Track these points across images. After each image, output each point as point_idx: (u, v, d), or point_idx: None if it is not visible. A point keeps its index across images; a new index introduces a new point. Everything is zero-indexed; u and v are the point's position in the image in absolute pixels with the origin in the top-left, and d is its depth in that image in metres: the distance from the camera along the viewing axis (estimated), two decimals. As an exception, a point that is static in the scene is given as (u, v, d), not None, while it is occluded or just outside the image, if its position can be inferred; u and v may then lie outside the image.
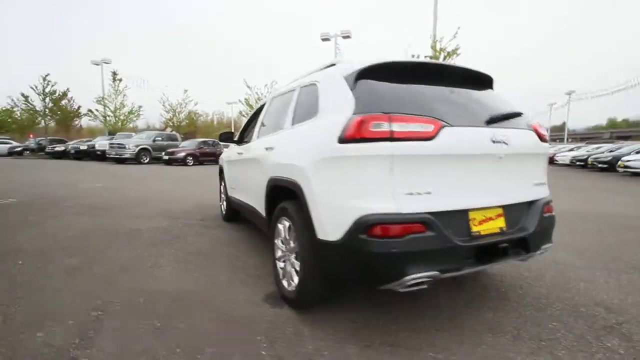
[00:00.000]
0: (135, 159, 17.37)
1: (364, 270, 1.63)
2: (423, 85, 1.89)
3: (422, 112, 1.68)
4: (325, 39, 19.42)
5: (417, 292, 2.28)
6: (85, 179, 9.71)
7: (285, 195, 2.29)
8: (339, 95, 1.88)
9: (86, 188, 7.82)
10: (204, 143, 19.57)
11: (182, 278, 2.67)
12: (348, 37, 19.21)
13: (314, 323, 2.01)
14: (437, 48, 11.83)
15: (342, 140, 1.66)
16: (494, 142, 1.76)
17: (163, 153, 17.83)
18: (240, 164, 3.47)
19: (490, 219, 1.82)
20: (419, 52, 12.50)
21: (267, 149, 2.57)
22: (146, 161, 17.85)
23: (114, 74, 24.82)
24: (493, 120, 1.82)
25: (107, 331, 1.90)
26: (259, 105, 3.75)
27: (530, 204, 2.00)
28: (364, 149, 1.58)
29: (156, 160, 18.20)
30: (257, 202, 2.84)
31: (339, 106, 1.83)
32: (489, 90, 2.22)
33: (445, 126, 1.64)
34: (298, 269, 2.04)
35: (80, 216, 4.80)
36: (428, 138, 1.59)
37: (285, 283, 2.26)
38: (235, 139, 4.08)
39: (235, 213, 4.50)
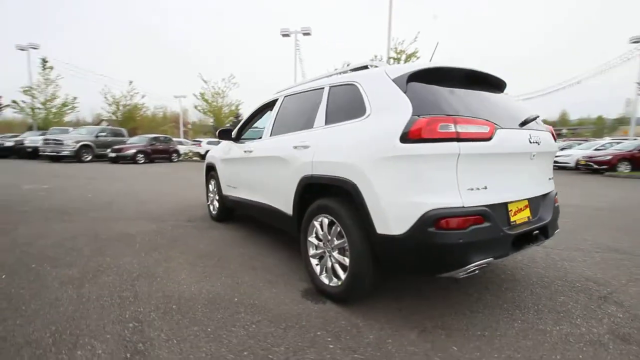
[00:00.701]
0: (75, 157, 15.67)
1: (429, 260, 1.76)
2: (463, 89, 2.06)
3: (471, 115, 1.84)
4: (285, 34, 19.26)
5: (436, 278, 2.48)
6: (26, 180, 8.57)
7: (323, 192, 2.33)
8: (391, 97, 1.97)
9: (34, 190, 6.93)
10: (155, 139, 18.31)
11: (205, 282, 2.57)
12: (308, 34, 19.25)
13: (365, 314, 2.09)
14: (398, 50, 12.48)
15: (405, 139, 1.76)
16: (530, 142, 1.99)
17: (108, 150, 16.33)
18: (249, 162, 3.39)
19: (521, 210, 2.06)
20: (382, 52, 13.08)
21: (296, 147, 2.57)
22: (88, 159, 16.20)
23: (44, 60, 21.97)
24: (525, 123, 2.05)
25: (157, 341, 1.79)
26: (262, 104, 3.68)
27: (544, 196, 2.29)
28: (432, 148, 1.70)
29: (100, 158, 16.61)
30: (279, 200, 2.82)
31: (393, 107, 1.92)
32: (504, 94, 2.47)
33: (497, 128, 1.82)
34: (347, 263, 2.10)
35: (49, 221, 4.28)
36: (486, 139, 1.76)
37: (325, 279, 2.30)
38: (233, 136, 3.96)
39: (229, 213, 4.38)
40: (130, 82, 25.46)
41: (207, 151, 22.61)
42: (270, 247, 3.41)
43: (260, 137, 3.33)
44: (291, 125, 2.87)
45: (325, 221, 2.28)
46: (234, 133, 3.95)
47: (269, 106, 3.52)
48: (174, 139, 21.38)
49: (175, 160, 19.13)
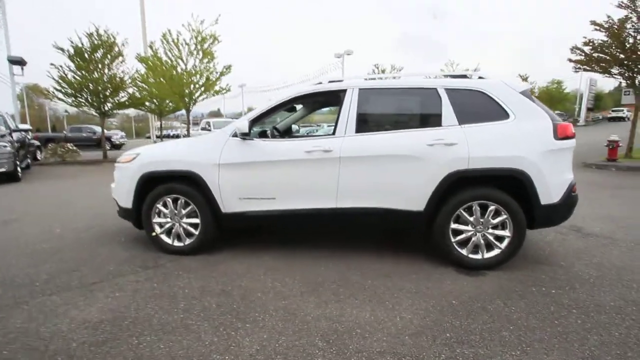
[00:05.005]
0: None
1: (568, 212, 2.77)
2: None
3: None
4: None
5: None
6: None
7: (469, 184, 2.70)
8: (527, 106, 2.70)
9: None
10: None
11: (394, 307, 2.24)
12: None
13: (530, 270, 2.75)
14: (195, 30, 11.25)
15: (557, 137, 2.63)
16: None
17: None
18: (326, 164, 2.76)
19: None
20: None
21: (432, 145, 2.63)
22: None
23: None
24: None
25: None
26: (299, 94, 3.02)
27: None
28: (570, 143, 2.70)
29: None
30: (399, 199, 2.76)
31: (532, 114, 2.68)
32: None
33: None
34: (505, 234, 2.68)
35: None
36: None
37: (475, 256, 2.74)
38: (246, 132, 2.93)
39: (219, 234, 3.21)
40: None
41: None
42: (349, 257, 3.08)
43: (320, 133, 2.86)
44: (395, 123, 2.83)
45: (477, 207, 2.69)
46: (248, 128, 2.92)
47: (314, 97, 3.02)
48: None
49: None
